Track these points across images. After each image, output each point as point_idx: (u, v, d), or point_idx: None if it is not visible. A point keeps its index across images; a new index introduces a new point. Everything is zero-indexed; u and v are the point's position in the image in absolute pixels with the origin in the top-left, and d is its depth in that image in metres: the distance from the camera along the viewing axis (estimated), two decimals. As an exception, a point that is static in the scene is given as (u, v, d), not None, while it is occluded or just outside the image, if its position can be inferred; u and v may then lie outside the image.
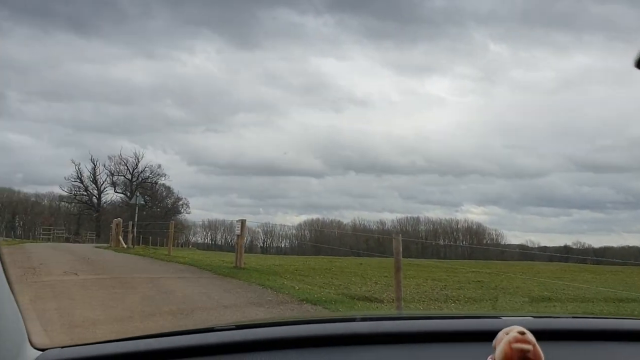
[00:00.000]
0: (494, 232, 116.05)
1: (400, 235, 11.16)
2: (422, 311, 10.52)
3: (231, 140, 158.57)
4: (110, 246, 34.16)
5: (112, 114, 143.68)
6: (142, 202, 34.36)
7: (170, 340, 1.69)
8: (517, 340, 1.43)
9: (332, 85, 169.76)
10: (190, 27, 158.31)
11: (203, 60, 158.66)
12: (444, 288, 14.90)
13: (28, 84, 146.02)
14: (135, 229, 35.26)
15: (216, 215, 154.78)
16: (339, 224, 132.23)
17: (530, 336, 1.45)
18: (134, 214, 47.51)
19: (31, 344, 1.58)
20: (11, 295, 1.45)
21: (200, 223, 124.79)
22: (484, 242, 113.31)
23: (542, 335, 1.53)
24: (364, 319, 1.99)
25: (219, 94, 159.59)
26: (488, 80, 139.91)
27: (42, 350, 1.61)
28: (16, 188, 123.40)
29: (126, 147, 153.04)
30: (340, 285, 14.48)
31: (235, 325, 1.85)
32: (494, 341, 1.50)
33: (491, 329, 1.57)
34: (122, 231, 34.02)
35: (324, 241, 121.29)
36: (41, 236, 61.15)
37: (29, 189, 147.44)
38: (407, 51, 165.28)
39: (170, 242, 25.65)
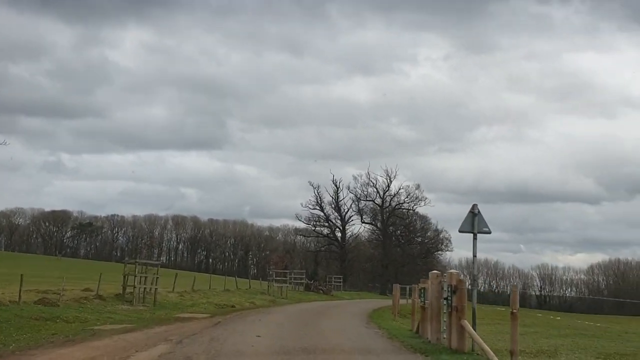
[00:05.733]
0: None
1: None
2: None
3: (472, 160, 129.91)
4: (417, 334, 13.24)
5: (335, 138, 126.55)
6: (487, 230, 9.36)
7: None
8: None
9: (596, 85, 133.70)
10: (408, 33, 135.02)
11: (429, 70, 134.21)
12: None
13: (247, 111, 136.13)
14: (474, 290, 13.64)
15: (466, 253, 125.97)
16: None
17: None
18: (388, 251, 28.22)
19: None
20: None
21: (457, 263, 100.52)
22: None
23: None
24: None
25: (452, 106, 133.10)
26: None
27: None
28: (249, 221, 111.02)
29: (351, 173, 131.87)
30: None
31: None
32: None
33: None
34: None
35: (628, 292, 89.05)
36: (274, 282, 43.13)
37: (261, 222, 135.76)
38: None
39: None
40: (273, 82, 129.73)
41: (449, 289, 11.34)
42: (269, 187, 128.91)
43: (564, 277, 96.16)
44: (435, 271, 13.86)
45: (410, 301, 27.09)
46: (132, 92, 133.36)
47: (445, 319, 12.73)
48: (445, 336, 12.46)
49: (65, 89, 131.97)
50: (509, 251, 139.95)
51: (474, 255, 14.26)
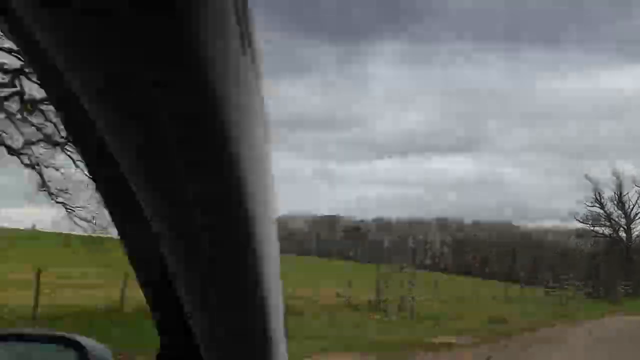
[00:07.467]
0: None
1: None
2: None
3: None
4: None
5: (603, 132, 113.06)
6: None
7: None
8: None
9: None
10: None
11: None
12: None
13: (505, 110, 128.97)
14: None
15: None
16: None
17: None
18: None
19: None
20: None
21: None
22: None
23: None
24: None
25: None
26: None
27: None
28: (515, 223, 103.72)
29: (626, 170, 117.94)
30: None
31: None
32: None
33: None
34: None
35: None
36: (557, 289, 36.70)
37: (526, 224, 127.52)
38: None
39: None
40: (529, 78, 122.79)
41: None
42: (531, 186, 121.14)
43: None
44: None
45: None
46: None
47: None
48: None
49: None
50: None
51: None
